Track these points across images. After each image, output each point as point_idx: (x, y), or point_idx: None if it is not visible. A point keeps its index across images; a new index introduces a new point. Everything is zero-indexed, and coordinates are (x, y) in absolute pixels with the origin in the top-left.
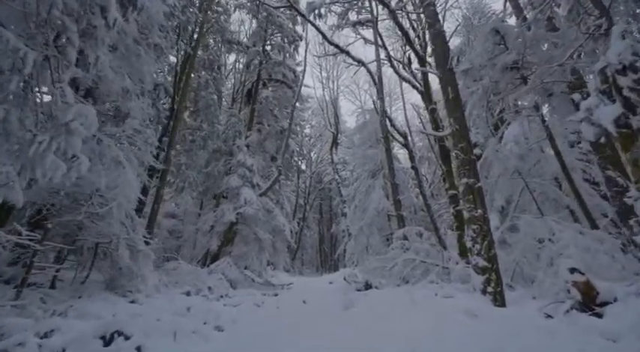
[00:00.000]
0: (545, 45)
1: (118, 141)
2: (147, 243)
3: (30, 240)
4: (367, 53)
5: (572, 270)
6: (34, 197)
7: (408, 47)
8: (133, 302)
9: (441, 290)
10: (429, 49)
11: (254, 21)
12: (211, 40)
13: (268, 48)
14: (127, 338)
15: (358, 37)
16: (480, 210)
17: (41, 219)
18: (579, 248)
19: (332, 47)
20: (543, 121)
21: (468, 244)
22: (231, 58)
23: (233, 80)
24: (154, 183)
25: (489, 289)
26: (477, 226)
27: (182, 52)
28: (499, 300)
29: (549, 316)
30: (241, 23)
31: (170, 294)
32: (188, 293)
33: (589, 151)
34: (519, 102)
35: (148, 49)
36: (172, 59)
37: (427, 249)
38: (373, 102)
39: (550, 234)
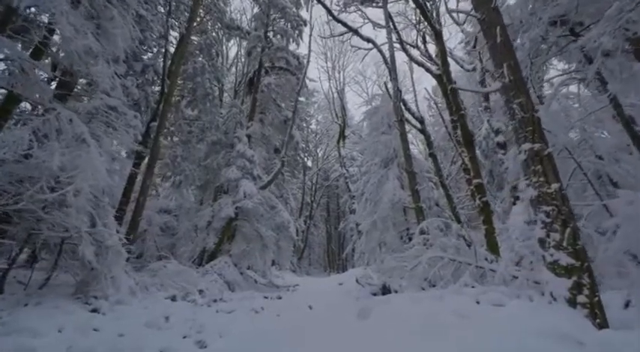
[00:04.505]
0: None
1: (89, 119)
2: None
3: None
4: (376, 40)
5: None
6: None
7: (421, 25)
8: (94, 310)
9: (482, 295)
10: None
11: (255, 7)
12: (209, 25)
13: (270, 34)
14: None
15: (366, 21)
16: (554, 185)
17: None
18: None
19: (338, 30)
20: (603, 84)
21: (540, 234)
22: (233, 50)
23: (235, 73)
24: (142, 172)
25: (581, 298)
26: (551, 207)
27: (176, 33)
28: (600, 317)
29: None
30: (243, 12)
31: (150, 300)
32: (173, 298)
33: None
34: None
35: (125, 14)
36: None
37: (456, 244)
38: (385, 84)
39: None
